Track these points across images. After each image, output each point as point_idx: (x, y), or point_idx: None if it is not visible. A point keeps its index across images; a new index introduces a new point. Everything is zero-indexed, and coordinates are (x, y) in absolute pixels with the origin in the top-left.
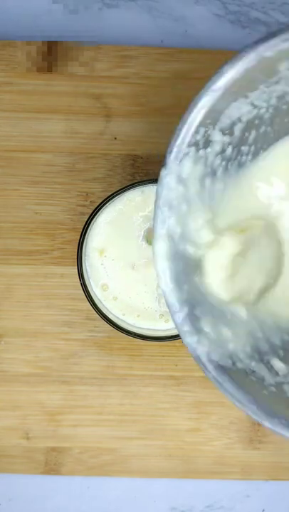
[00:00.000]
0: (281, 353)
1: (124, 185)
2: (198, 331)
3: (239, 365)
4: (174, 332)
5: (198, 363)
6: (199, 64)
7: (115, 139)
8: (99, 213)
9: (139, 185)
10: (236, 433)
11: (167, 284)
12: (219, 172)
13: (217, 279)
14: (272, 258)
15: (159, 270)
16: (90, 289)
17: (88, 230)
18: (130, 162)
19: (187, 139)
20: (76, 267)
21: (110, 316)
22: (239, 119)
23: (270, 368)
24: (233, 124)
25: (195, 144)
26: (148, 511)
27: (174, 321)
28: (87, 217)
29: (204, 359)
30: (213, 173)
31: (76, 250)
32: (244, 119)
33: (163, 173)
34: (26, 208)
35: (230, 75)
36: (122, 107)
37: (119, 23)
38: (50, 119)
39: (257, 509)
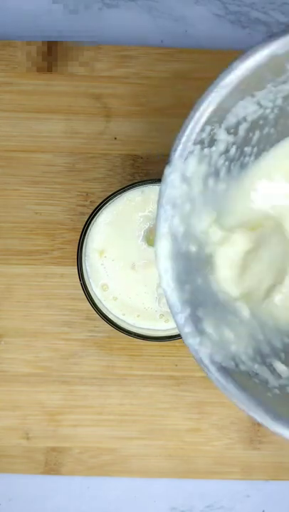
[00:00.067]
0: (283, 355)
1: (124, 185)
2: (200, 332)
3: (242, 367)
4: (174, 332)
5: (201, 365)
6: (199, 64)
7: (115, 139)
8: (99, 213)
9: (139, 185)
10: (236, 433)
11: (169, 283)
12: (222, 172)
13: (228, 275)
14: (282, 256)
15: (161, 270)
16: (90, 289)
17: (88, 230)
18: (130, 162)
19: (193, 137)
20: (76, 267)
21: (110, 316)
22: (244, 119)
23: (273, 371)
24: (238, 124)
25: (200, 142)
26: (148, 511)
27: (175, 321)
28: (87, 217)
29: (207, 361)
30: (217, 173)
31: (76, 250)
32: (249, 118)
33: (167, 171)
34: (26, 208)
35: (240, 71)
36: (122, 107)
37: (119, 23)
38: (50, 119)
39: (257, 509)
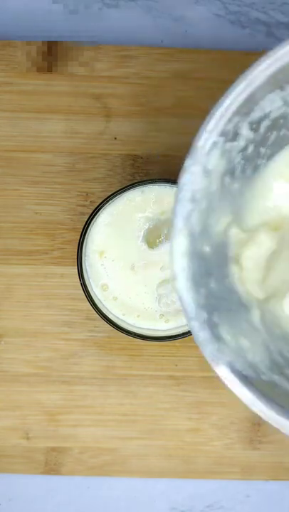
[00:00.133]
0: None
1: (124, 185)
2: (217, 338)
3: (263, 377)
4: (174, 332)
5: (220, 374)
6: (199, 64)
7: (115, 139)
8: (99, 213)
9: (139, 185)
10: (236, 433)
11: (185, 284)
12: (237, 171)
13: (253, 276)
14: None
15: (177, 268)
16: (90, 289)
17: (88, 230)
18: (130, 162)
19: (220, 126)
20: (76, 267)
21: (110, 316)
22: (268, 115)
23: None
24: (261, 119)
25: (225, 134)
26: (148, 511)
27: (190, 326)
28: (87, 217)
29: (227, 369)
30: (232, 171)
31: (76, 250)
32: (272, 115)
33: (188, 162)
34: (26, 208)
35: (280, 57)
36: (122, 107)
37: (119, 23)
38: (50, 119)
39: (257, 509)
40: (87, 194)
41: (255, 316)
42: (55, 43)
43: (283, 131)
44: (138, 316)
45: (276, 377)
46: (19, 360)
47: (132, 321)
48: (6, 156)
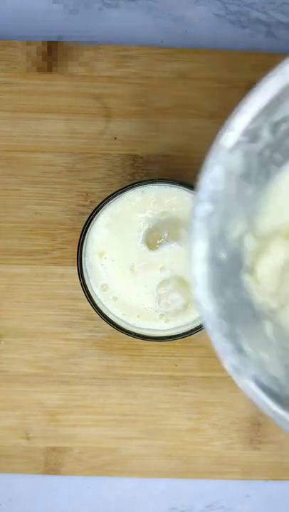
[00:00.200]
0: None
1: (124, 185)
2: (239, 350)
3: (287, 392)
4: (174, 332)
5: (245, 390)
6: (199, 64)
7: (115, 139)
8: (99, 213)
9: (139, 185)
10: (236, 433)
11: (206, 292)
12: (252, 176)
13: (267, 286)
14: None
15: (197, 275)
16: (90, 289)
17: (88, 230)
18: (130, 162)
19: (245, 125)
20: (76, 267)
21: (110, 316)
22: (287, 118)
23: None
24: (281, 122)
25: (248, 134)
26: (148, 511)
27: (211, 338)
28: (87, 217)
29: (252, 384)
30: (248, 175)
31: (76, 250)
32: None
33: (210, 161)
34: (26, 208)
35: None
36: (122, 107)
37: (119, 23)
38: (50, 119)
39: (257, 509)
40: (87, 194)
41: (268, 328)
42: (55, 43)
43: None
44: (138, 316)
45: None
46: (19, 360)
47: (132, 321)
48: (6, 156)
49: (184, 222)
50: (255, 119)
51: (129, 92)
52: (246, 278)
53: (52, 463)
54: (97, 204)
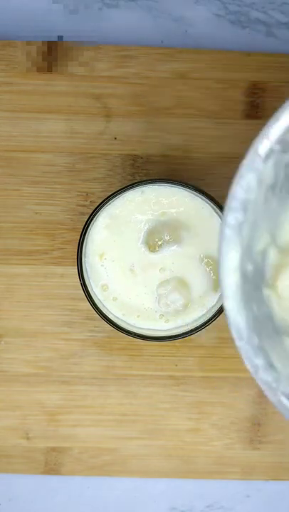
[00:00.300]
0: None
1: (124, 185)
2: (270, 365)
3: None
4: (174, 332)
5: (280, 409)
6: (199, 64)
7: (115, 139)
8: (99, 213)
9: (139, 185)
10: (236, 433)
11: (237, 304)
12: (277, 188)
13: (287, 300)
14: None
15: (228, 284)
16: (90, 289)
17: (88, 230)
18: (130, 162)
19: (280, 133)
20: (76, 267)
21: (110, 316)
22: None
23: None
24: None
25: (282, 143)
26: (148, 511)
27: (242, 352)
28: (87, 217)
29: (286, 400)
30: (274, 187)
31: (76, 250)
32: None
33: (244, 169)
34: (26, 208)
35: None
36: (122, 107)
37: (119, 23)
38: (50, 119)
39: (257, 509)
40: (87, 194)
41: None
42: (55, 43)
43: None
44: (138, 316)
45: None
46: (19, 360)
47: (132, 321)
48: (6, 156)
49: (184, 223)
50: None
51: (129, 92)
52: (267, 292)
53: (52, 463)
54: (97, 204)
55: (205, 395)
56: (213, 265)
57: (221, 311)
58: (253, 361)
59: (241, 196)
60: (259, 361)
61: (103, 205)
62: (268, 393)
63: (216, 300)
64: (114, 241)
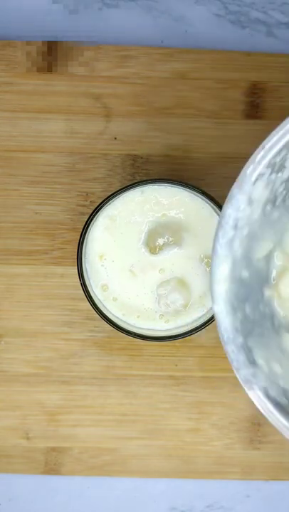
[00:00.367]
0: None
1: (124, 185)
2: (252, 362)
3: None
4: (174, 332)
5: (254, 399)
6: (199, 64)
7: (115, 139)
8: (99, 213)
9: (139, 185)
10: (236, 433)
11: (224, 308)
12: (278, 200)
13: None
14: None
15: (217, 293)
16: (90, 289)
17: (88, 230)
18: (130, 162)
19: (268, 159)
20: (76, 267)
21: (110, 316)
22: None
23: None
24: None
25: (272, 166)
26: (148, 511)
27: (226, 349)
28: (87, 217)
29: (262, 395)
30: (274, 200)
31: (76, 250)
32: None
33: (234, 191)
34: (26, 208)
35: None
36: (122, 107)
37: (119, 23)
38: (50, 119)
39: (257, 509)
40: (87, 194)
41: (287, 341)
42: (55, 43)
43: None
44: (138, 316)
45: None
46: (19, 360)
47: (132, 322)
48: (6, 156)
49: (184, 224)
50: (279, 153)
51: (129, 92)
52: (269, 293)
53: (52, 463)
54: (97, 204)
55: (205, 395)
56: None
57: None
58: (234, 358)
59: (232, 215)
60: (240, 358)
61: (103, 205)
62: (245, 387)
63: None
64: (114, 241)
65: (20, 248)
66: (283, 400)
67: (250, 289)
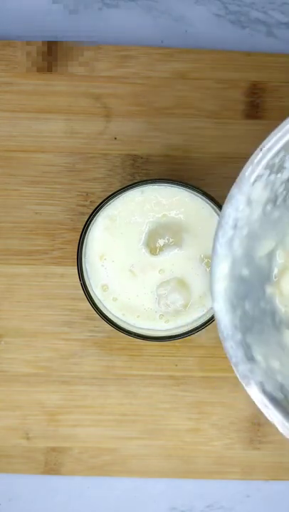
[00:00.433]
0: None
1: (124, 185)
2: (249, 358)
3: None
4: (174, 332)
5: (251, 394)
6: (199, 64)
7: (115, 139)
8: (99, 213)
9: (139, 185)
10: (236, 433)
11: (223, 306)
12: (279, 200)
13: None
14: None
15: (217, 291)
16: (90, 289)
17: (88, 230)
18: (130, 162)
19: (266, 161)
20: (76, 267)
21: (110, 316)
22: None
23: None
24: None
25: (271, 167)
26: (148, 511)
27: (224, 346)
28: (87, 217)
29: (258, 390)
30: (275, 200)
31: (76, 250)
32: None
33: (234, 191)
34: (26, 208)
35: None
36: (122, 107)
37: (119, 23)
38: (50, 119)
39: (257, 509)
40: (87, 194)
41: (288, 337)
42: (55, 43)
43: None
44: (138, 316)
45: None
46: (19, 360)
47: (132, 321)
48: (6, 156)
49: (184, 224)
50: (276, 154)
51: (129, 92)
52: (270, 290)
53: (52, 463)
54: (97, 204)
55: (205, 395)
56: None
57: None
58: (232, 354)
59: (231, 215)
60: (238, 354)
61: (103, 205)
62: (243, 382)
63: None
64: (114, 241)
65: (20, 248)
66: (279, 395)
67: (251, 287)
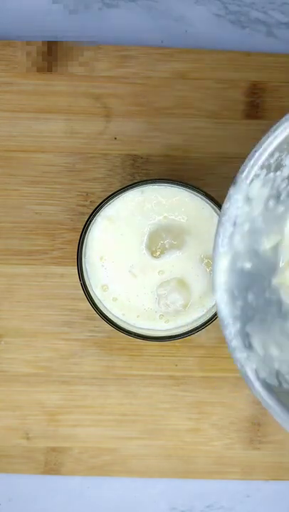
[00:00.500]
0: None
1: (124, 185)
2: (247, 347)
3: (285, 386)
4: (174, 332)
5: (245, 380)
6: (199, 64)
7: (115, 139)
8: (99, 213)
9: (139, 185)
10: (236, 433)
11: (223, 297)
12: (283, 196)
13: None
14: None
15: (217, 283)
16: (90, 290)
17: (88, 230)
18: (130, 162)
19: (261, 162)
20: (76, 267)
21: (110, 316)
22: None
23: None
24: None
25: (267, 167)
26: (148, 511)
27: (225, 335)
28: (87, 217)
29: (252, 376)
30: (278, 196)
31: (76, 250)
32: None
33: (232, 191)
34: (26, 208)
35: None
36: (122, 107)
37: (119, 23)
38: (50, 119)
39: (257, 509)
40: (87, 194)
41: None
42: (55, 43)
43: None
44: (138, 316)
45: None
46: (19, 360)
47: (132, 321)
48: (6, 156)
49: (185, 225)
50: (271, 155)
51: (129, 92)
52: (276, 281)
53: (52, 463)
54: (97, 204)
55: (205, 395)
56: None
57: None
58: (230, 342)
59: (230, 213)
60: (235, 343)
61: (103, 205)
62: (239, 369)
63: (215, 300)
64: (114, 241)
65: (20, 248)
66: (274, 382)
67: (255, 279)
